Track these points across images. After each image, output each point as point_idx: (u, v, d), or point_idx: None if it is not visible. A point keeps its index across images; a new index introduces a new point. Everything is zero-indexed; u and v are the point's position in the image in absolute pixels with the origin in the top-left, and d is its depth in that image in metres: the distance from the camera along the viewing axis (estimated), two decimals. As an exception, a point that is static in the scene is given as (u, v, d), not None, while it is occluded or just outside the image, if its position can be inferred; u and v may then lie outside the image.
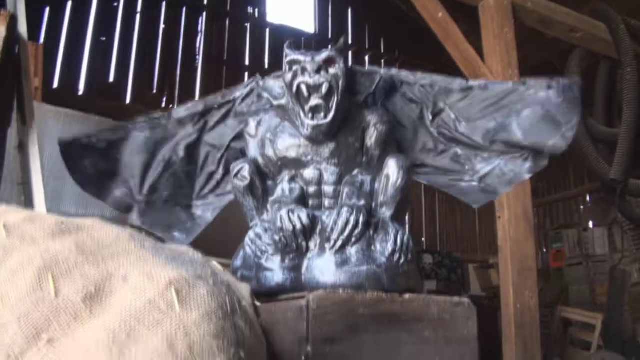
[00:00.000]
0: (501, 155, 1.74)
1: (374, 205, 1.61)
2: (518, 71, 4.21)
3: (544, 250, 7.43)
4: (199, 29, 6.81)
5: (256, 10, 7.24)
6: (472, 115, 1.74)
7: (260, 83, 1.74)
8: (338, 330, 1.37)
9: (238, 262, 1.62)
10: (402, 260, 1.51)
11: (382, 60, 7.84)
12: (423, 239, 7.30)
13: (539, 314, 3.64)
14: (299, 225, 1.50)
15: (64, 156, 1.85)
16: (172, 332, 0.87)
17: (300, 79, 1.56)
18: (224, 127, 1.83)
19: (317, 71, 1.56)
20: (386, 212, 1.59)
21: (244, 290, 1.58)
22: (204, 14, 6.87)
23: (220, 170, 1.87)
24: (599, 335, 5.19)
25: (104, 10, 6.17)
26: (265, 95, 1.70)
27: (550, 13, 4.62)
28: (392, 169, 1.59)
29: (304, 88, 1.56)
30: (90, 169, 1.84)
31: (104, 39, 6.12)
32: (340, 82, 1.57)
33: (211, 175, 1.88)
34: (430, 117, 1.79)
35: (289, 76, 1.59)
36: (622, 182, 4.91)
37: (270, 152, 1.65)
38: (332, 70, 1.57)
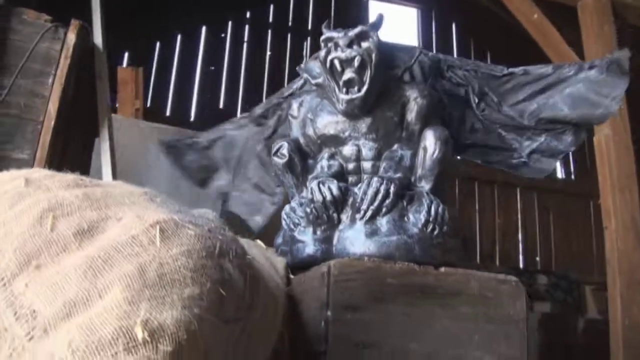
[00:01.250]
0: (544, 132, 1.77)
1: (412, 179, 1.58)
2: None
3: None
4: (304, 53, 7.03)
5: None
6: (514, 98, 1.78)
7: (302, 66, 1.78)
8: (361, 298, 1.34)
9: (279, 239, 1.65)
10: (436, 231, 1.46)
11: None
12: (537, 259, 6.90)
13: (650, 332, 3.33)
14: (329, 196, 1.50)
15: (167, 155, 2.15)
16: (146, 262, 0.90)
17: (333, 54, 1.58)
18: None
19: (349, 45, 1.57)
20: (425, 186, 1.55)
21: (280, 264, 1.60)
22: (309, 38, 7.09)
23: None
24: None
25: (213, 41, 6.57)
26: (305, 75, 1.73)
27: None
28: (430, 140, 1.56)
29: (337, 63, 1.57)
30: (194, 163, 2.11)
31: (213, 68, 6.50)
32: (374, 55, 1.56)
33: None
34: (476, 100, 1.81)
35: (323, 52, 1.61)
36: None
37: (310, 130, 1.68)
38: (364, 45, 1.58)
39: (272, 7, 7.08)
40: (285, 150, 1.66)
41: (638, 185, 3.94)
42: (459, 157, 2.02)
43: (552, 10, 4.17)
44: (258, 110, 2.04)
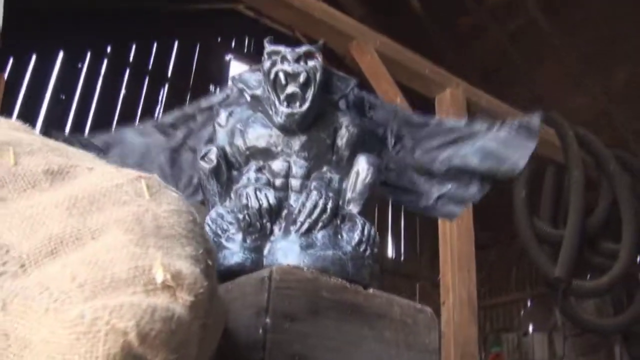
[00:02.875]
0: (452, 180, 1.86)
1: (340, 202, 1.58)
2: None
3: (483, 354, 7.34)
4: (160, 99, 6.86)
5: (217, 88, 7.39)
6: (427, 145, 1.87)
7: (237, 76, 1.74)
8: (300, 309, 1.28)
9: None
10: (367, 252, 1.46)
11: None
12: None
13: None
14: (265, 204, 1.45)
15: None
16: (140, 212, 0.80)
17: (279, 66, 1.57)
18: (204, 131, 1.84)
19: (297, 61, 1.58)
20: (353, 208, 1.55)
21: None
22: (166, 85, 6.95)
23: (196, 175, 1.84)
24: None
25: (68, 69, 6.17)
26: (241, 85, 1.69)
27: (502, 112, 4.88)
28: (362, 165, 1.58)
29: (281, 75, 1.56)
30: None
31: (64, 97, 6.07)
32: (318, 75, 1.58)
33: (190, 179, 1.85)
34: (393, 141, 1.88)
35: (267, 64, 1.60)
36: (566, 282, 5.00)
37: (239, 141, 1.62)
38: (310, 63, 1.59)
39: (134, 47, 6.88)
40: (213, 156, 1.58)
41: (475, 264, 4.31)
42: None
43: (413, 97, 4.54)
44: (167, 119, 1.91)
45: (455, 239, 4.40)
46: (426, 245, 7.71)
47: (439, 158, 1.85)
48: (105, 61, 6.49)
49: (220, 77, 7.56)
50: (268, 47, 1.63)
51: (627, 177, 5.13)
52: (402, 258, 7.84)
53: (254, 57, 7.93)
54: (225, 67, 7.73)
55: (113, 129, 1.98)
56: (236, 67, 7.83)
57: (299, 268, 1.33)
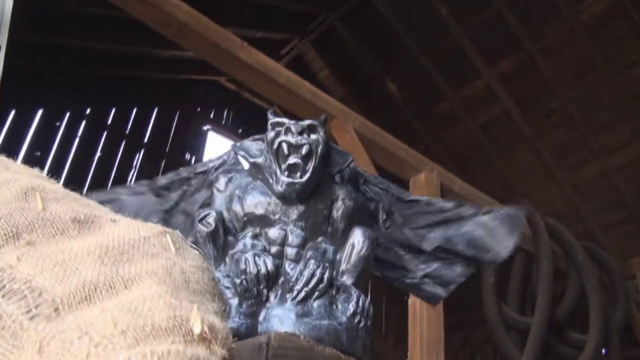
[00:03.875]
0: (438, 260, 1.91)
1: (334, 273, 1.59)
2: None
3: None
4: (134, 164, 6.85)
5: (193, 157, 7.42)
6: (415, 223, 1.93)
7: (238, 144, 1.78)
8: (295, 377, 1.26)
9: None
10: (361, 324, 1.47)
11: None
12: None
13: None
14: (263, 270, 1.45)
15: None
16: (169, 265, 0.80)
17: (282, 137, 1.62)
18: (198, 195, 1.85)
19: (300, 133, 1.63)
20: (347, 280, 1.57)
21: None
22: (142, 150, 6.96)
23: (188, 239, 1.83)
24: None
25: (45, 127, 6.16)
26: (242, 153, 1.72)
27: (474, 197, 5.00)
28: (358, 238, 1.61)
29: (284, 146, 1.61)
30: None
31: (39, 154, 6.02)
32: (320, 148, 1.63)
33: None
34: (384, 217, 1.94)
35: (271, 134, 1.65)
36: (533, 370, 4.98)
37: (237, 207, 1.64)
38: (313, 137, 1.65)
39: (113, 110, 6.92)
40: (211, 220, 1.59)
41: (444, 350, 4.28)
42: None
43: (389, 178, 4.62)
44: (161, 180, 1.92)
45: (425, 322, 4.39)
46: (391, 325, 7.64)
47: (427, 237, 1.91)
48: (84, 122, 6.49)
49: (196, 146, 7.61)
50: (272, 119, 1.68)
51: (595, 268, 5.24)
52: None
53: (231, 128, 8.04)
54: (203, 136, 7.79)
55: (107, 189, 1.98)
56: (213, 138, 7.91)
57: (296, 336, 1.33)
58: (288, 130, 1.63)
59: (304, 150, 1.61)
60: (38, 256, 0.73)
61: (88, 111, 6.66)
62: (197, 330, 0.66)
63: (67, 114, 6.42)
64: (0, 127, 5.79)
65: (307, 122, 1.67)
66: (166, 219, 1.85)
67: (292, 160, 1.60)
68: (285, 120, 1.66)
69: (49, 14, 5.43)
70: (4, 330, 0.65)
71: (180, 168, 1.98)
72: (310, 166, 1.61)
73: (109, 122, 6.83)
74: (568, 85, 5.76)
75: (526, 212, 5.22)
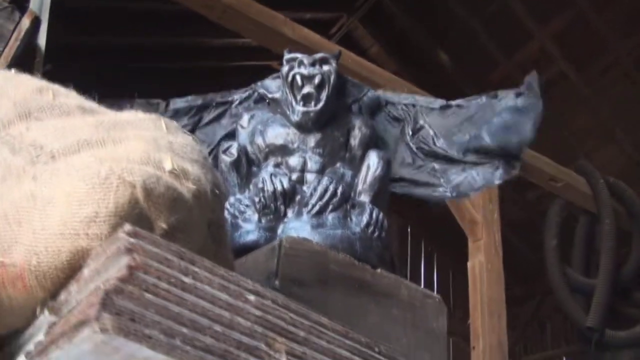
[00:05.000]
0: (475, 166, 1.82)
1: (352, 194, 1.67)
2: (500, 226, 4.42)
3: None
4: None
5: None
6: (449, 130, 1.86)
7: (259, 83, 1.88)
8: (308, 276, 1.36)
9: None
10: (375, 234, 1.55)
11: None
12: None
13: None
14: (279, 188, 1.56)
15: None
16: (158, 136, 0.92)
17: (296, 70, 1.72)
18: (217, 125, 1.92)
19: (312, 65, 1.72)
20: (364, 198, 1.65)
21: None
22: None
23: None
24: None
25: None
26: (262, 90, 1.83)
27: (531, 160, 4.91)
28: (373, 159, 1.69)
29: (298, 78, 1.71)
30: None
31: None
32: (332, 78, 1.72)
33: None
34: (411, 133, 1.89)
35: (285, 68, 1.75)
36: (598, 331, 4.88)
37: (259, 140, 1.75)
38: (325, 67, 1.74)
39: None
40: (234, 150, 1.71)
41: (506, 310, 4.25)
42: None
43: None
44: (178, 103, 1.98)
45: (485, 283, 4.38)
46: (459, 300, 7.60)
47: (458, 142, 1.83)
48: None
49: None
50: (287, 55, 1.78)
51: (659, 227, 5.06)
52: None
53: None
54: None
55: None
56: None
57: (308, 240, 1.43)
58: (301, 63, 1.72)
59: (316, 80, 1.70)
60: (44, 127, 0.87)
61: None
62: (167, 167, 0.77)
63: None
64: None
65: (319, 55, 1.76)
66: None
67: (306, 90, 1.70)
68: (298, 55, 1.76)
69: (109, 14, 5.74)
70: (11, 174, 0.79)
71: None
72: (324, 95, 1.70)
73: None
74: (622, 39, 5.56)
75: (583, 170, 5.11)
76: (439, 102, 1.91)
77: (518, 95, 1.82)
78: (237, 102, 1.91)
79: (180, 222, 0.74)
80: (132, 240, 0.56)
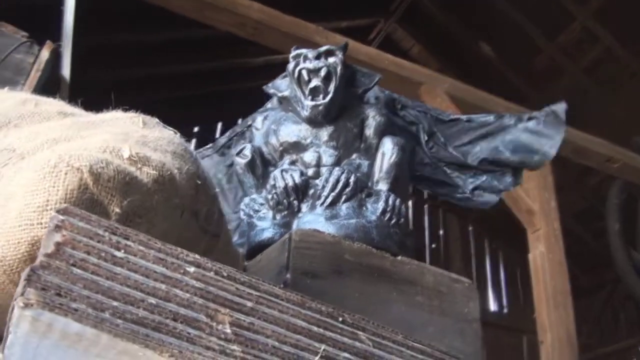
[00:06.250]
0: (485, 173, 1.92)
1: (370, 184, 1.65)
2: (558, 214, 4.26)
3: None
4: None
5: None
6: (459, 141, 1.95)
7: (270, 84, 1.89)
8: (321, 268, 1.34)
9: (234, 237, 1.64)
10: (392, 221, 1.51)
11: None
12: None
13: None
14: (291, 183, 1.55)
15: None
16: (131, 131, 0.92)
17: (302, 65, 1.71)
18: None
19: (317, 58, 1.71)
20: (382, 187, 1.62)
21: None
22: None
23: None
24: None
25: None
26: (272, 90, 1.83)
27: (585, 143, 4.72)
28: (388, 146, 1.65)
29: (304, 73, 1.70)
30: None
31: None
32: (339, 69, 1.70)
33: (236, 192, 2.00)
34: (425, 138, 1.96)
35: (292, 65, 1.74)
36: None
37: (273, 139, 1.74)
38: (331, 59, 1.72)
39: (219, 125, 7.35)
40: (248, 151, 1.71)
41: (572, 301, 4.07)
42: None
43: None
44: (222, 139, 2.08)
45: (548, 274, 4.22)
46: (530, 295, 7.34)
47: (471, 152, 1.92)
48: (194, 140, 6.98)
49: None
50: (292, 52, 1.77)
51: None
52: (505, 310, 7.49)
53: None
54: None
55: None
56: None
57: (319, 231, 1.40)
58: (306, 58, 1.71)
59: (322, 73, 1.68)
60: (20, 132, 0.89)
61: (196, 129, 7.14)
62: (125, 154, 0.77)
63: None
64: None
65: (323, 47, 1.74)
66: (230, 173, 1.98)
67: (313, 83, 1.68)
68: (303, 50, 1.75)
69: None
70: (-17, 178, 0.81)
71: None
72: (332, 87, 1.68)
73: (217, 135, 7.27)
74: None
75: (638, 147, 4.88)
76: (447, 115, 2.01)
77: (530, 119, 1.92)
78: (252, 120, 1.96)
79: (138, 207, 0.74)
80: (61, 217, 0.56)
